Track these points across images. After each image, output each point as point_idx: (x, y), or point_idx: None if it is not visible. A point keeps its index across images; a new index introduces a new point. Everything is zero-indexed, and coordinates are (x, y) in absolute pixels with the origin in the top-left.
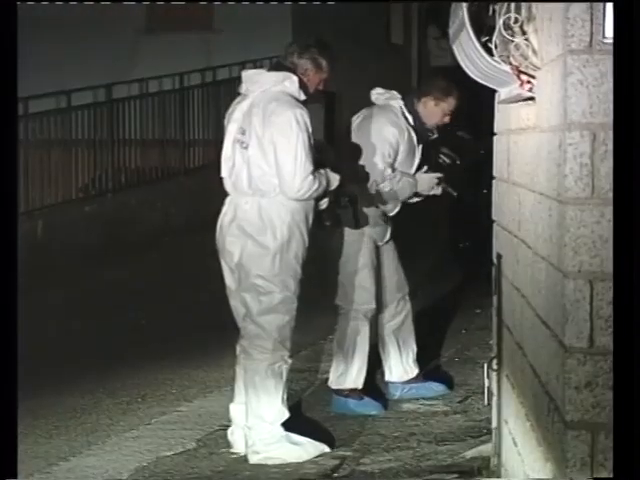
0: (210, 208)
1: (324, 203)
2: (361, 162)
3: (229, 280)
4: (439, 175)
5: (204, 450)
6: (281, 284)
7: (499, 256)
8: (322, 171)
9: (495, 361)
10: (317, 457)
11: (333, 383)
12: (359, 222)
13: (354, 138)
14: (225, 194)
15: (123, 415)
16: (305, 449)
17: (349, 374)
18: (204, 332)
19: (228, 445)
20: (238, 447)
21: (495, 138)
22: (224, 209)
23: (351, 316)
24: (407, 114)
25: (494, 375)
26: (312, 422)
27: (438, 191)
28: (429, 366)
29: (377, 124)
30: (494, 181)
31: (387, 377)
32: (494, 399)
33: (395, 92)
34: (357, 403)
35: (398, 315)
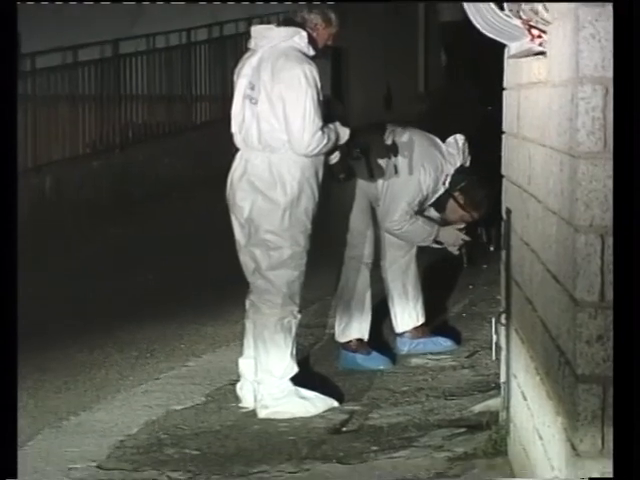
0: (218, 163)
1: (335, 157)
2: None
3: (239, 235)
4: (467, 238)
5: (213, 405)
6: (291, 239)
7: (508, 211)
8: (331, 126)
9: (504, 316)
10: (326, 412)
11: (339, 336)
12: (373, 172)
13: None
14: (235, 149)
15: (132, 370)
16: (314, 404)
17: (353, 324)
18: (213, 287)
19: (237, 400)
20: (247, 402)
21: (505, 93)
22: (234, 164)
23: (350, 265)
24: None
25: (502, 330)
26: (320, 377)
27: (455, 251)
28: (436, 321)
29: (420, 160)
30: (504, 136)
31: (395, 327)
32: (502, 354)
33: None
34: (365, 358)
35: (401, 258)
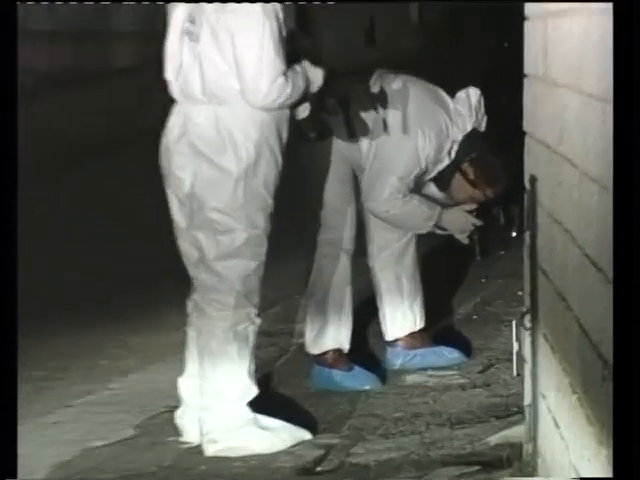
0: (145, 121)
1: (304, 110)
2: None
3: (177, 215)
4: (479, 223)
5: (145, 439)
6: (246, 219)
7: (533, 179)
8: (298, 68)
9: (528, 317)
10: (294, 446)
11: (311, 346)
12: (354, 130)
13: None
14: (170, 102)
15: (37, 395)
16: (278, 436)
17: (328, 330)
18: (142, 284)
19: (177, 432)
20: (190, 435)
21: (526, 24)
22: (170, 122)
23: (325, 252)
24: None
25: (527, 336)
26: (288, 401)
27: (464, 239)
28: (439, 326)
29: (417, 120)
30: (525, 80)
31: (385, 334)
32: (527, 367)
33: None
34: (345, 375)
35: (394, 242)
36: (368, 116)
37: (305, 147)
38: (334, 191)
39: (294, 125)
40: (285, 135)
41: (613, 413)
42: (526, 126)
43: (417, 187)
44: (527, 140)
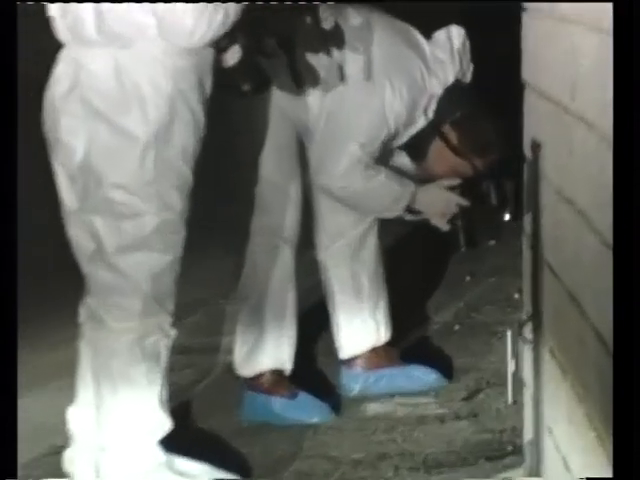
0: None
1: (234, 54)
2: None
3: (67, 194)
4: (464, 203)
5: None
6: (157, 199)
7: (535, 145)
8: None
9: (529, 327)
10: None
11: (241, 366)
12: (301, 79)
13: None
14: (54, 46)
15: None
16: None
17: (265, 345)
18: (17, 284)
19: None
20: None
21: None
22: (55, 72)
23: (261, 243)
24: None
25: (526, 351)
26: (212, 437)
27: (444, 225)
28: (411, 339)
29: (384, 69)
30: (524, 15)
31: (339, 350)
32: (527, 392)
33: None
34: (287, 404)
35: (350, 230)
36: (319, 62)
37: (235, 104)
38: (273, 162)
39: (220, 74)
40: (208, 88)
41: (613, 413)
42: (526, 75)
43: (384, 157)
44: (527, 94)
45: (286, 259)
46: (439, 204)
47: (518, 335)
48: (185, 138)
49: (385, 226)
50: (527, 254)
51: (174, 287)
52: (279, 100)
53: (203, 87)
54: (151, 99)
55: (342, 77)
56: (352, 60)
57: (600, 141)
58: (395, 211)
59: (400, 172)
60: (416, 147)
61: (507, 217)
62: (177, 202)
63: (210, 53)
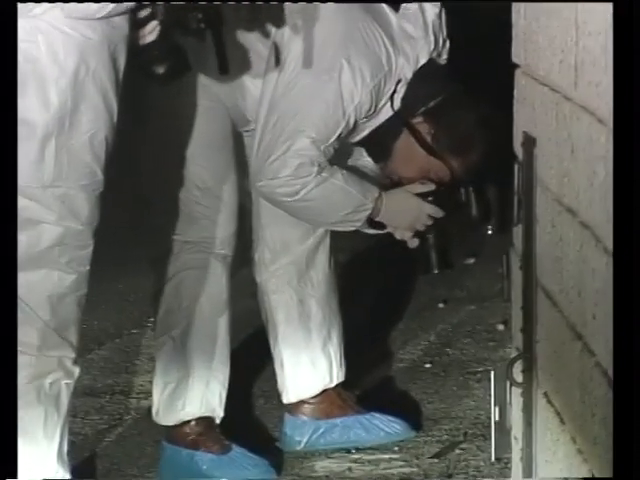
0: None
1: (151, 30)
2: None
3: None
4: (436, 214)
5: None
6: (58, 204)
7: (528, 141)
8: None
9: (518, 367)
10: None
11: (162, 413)
12: (227, 64)
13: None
14: None
15: None
16: None
17: (190, 386)
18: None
19: None
20: None
21: None
22: None
23: (187, 259)
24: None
25: (515, 395)
26: None
27: (412, 240)
28: (371, 381)
29: (341, 45)
30: None
31: (282, 393)
32: (515, 447)
33: None
34: (216, 460)
35: (297, 246)
36: (257, 38)
37: (156, 88)
38: (203, 160)
39: (134, 53)
40: (122, 66)
41: (613, 412)
42: (516, 56)
43: (340, 156)
44: (519, 79)
45: (218, 280)
46: (407, 214)
47: (505, 377)
48: (94, 127)
49: (339, 239)
50: (516, 276)
51: (78, 313)
52: (211, 84)
53: (116, 65)
54: (53, 79)
55: (278, 62)
56: (300, 37)
57: (609, 137)
58: (354, 223)
59: (360, 175)
60: (379, 144)
61: (490, 231)
62: (84, 208)
63: (125, 24)
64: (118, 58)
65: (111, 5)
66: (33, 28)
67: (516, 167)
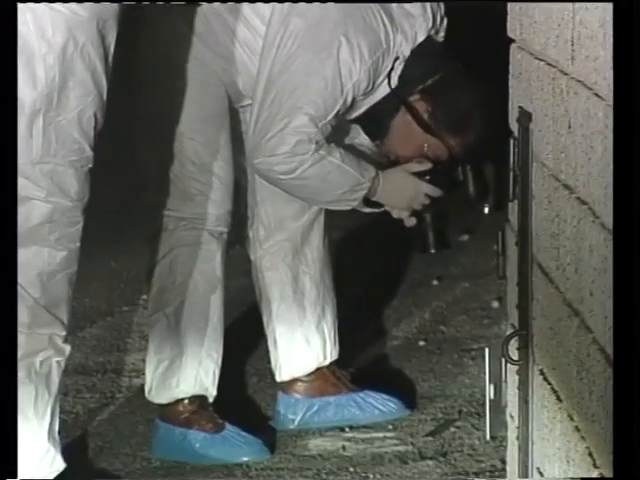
0: None
1: None
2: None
3: None
4: (434, 193)
5: None
6: (48, 181)
7: (524, 116)
8: None
9: (514, 344)
10: None
11: (154, 392)
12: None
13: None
14: None
15: None
16: None
17: (183, 365)
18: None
19: None
20: None
21: None
22: None
23: (180, 236)
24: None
25: (510, 373)
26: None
27: (409, 219)
28: (365, 358)
29: (339, 23)
30: None
31: (275, 371)
32: (511, 425)
33: None
34: (210, 439)
35: (291, 222)
36: (254, 13)
37: (149, 61)
38: (198, 136)
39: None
40: (112, 42)
41: (613, 411)
42: (512, 31)
43: (337, 134)
44: (514, 53)
45: (212, 257)
46: (404, 194)
47: (500, 354)
48: (82, 104)
49: (334, 216)
50: (512, 252)
51: (69, 291)
52: (207, 60)
53: (105, 41)
54: (40, 56)
55: (284, 33)
56: (296, 12)
57: (607, 112)
58: (351, 202)
59: (358, 154)
60: (376, 122)
61: (487, 210)
62: (73, 184)
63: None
64: (108, 34)
65: None
66: (21, 5)
67: (512, 142)
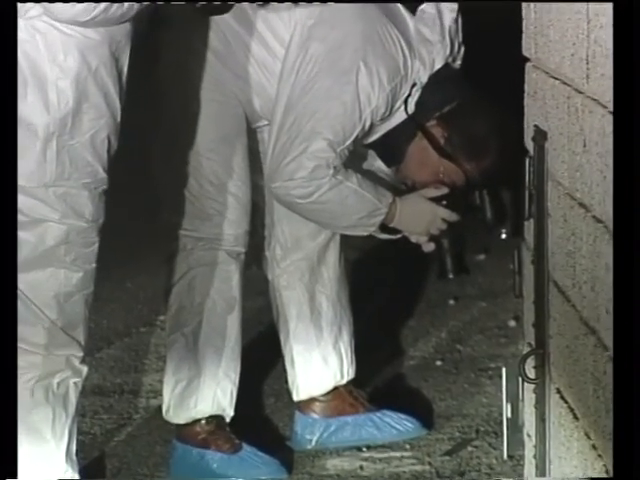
0: None
1: None
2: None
3: None
4: (450, 217)
5: None
6: (62, 203)
7: (539, 135)
8: None
9: (530, 362)
10: None
11: (172, 412)
12: (238, 64)
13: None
14: None
15: None
16: None
17: (201, 385)
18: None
19: None
20: None
21: None
22: None
23: (198, 257)
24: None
25: (527, 392)
26: None
27: (427, 245)
28: (382, 378)
29: (359, 50)
30: None
31: (293, 390)
32: (528, 444)
33: None
34: (227, 460)
35: (308, 242)
36: (273, 37)
37: (167, 81)
38: (217, 156)
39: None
40: (125, 64)
41: (613, 409)
42: (527, 50)
43: (355, 160)
44: (529, 72)
45: (231, 277)
46: (421, 219)
47: (517, 373)
48: (95, 126)
49: (350, 236)
50: (528, 271)
51: (86, 312)
52: (226, 80)
53: (118, 63)
54: (53, 80)
55: (304, 58)
56: (316, 37)
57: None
58: (368, 227)
59: (375, 179)
60: (392, 148)
61: (504, 236)
62: (87, 206)
63: (128, 23)
64: (120, 56)
65: (95, 9)
66: (31, 29)
67: (527, 161)
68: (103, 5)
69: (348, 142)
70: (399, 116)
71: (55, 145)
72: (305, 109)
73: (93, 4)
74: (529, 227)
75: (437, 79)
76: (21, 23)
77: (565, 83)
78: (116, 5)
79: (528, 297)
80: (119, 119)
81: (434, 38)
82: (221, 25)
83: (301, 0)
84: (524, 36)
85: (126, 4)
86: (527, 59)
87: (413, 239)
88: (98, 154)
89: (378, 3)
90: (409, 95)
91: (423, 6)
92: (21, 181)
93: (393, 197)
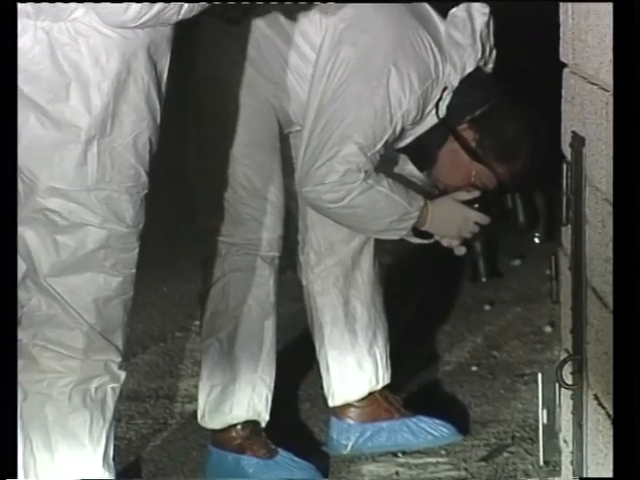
0: None
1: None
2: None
3: None
4: (482, 221)
5: None
6: (103, 207)
7: (577, 141)
8: None
9: (568, 368)
10: None
11: (207, 417)
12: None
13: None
14: None
15: None
16: None
17: (236, 390)
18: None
19: None
20: None
21: None
22: None
23: (232, 261)
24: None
25: (564, 398)
26: None
27: (459, 248)
28: (418, 384)
29: (390, 54)
30: None
31: (328, 396)
32: (565, 450)
33: None
34: (263, 465)
35: (342, 247)
36: (305, 41)
37: (203, 88)
38: (250, 161)
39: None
40: (165, 67)
41: (613, 407)
42: (564, 55)
43: (386, 164)
44: (567, 78)
45: (265, 282)
46: (453, 223)
47: (554, 379)
48: (137, 129)
49: (384, 241)
50: (566, 277)
51: (124, 317)
52: (259, 85)
53: (158, 66)
54: (94, 82)
55: (334, 62)
56: (347, 41)
57: None
58: (399, 231)
59: (406, 183)
60: (423, 152)
61: (537, 240)
62: (128, 210)
63: (168, 27)
64: (161, 59)
65: (146, 15)
66: (74, 31)
67: (565, 167)
68: (155, 10)
69: (379, 146)
70: (430, 120)
71: (96, 147)
72: (336, 113)
73: (144, 10)
74: (566, 233)
75: (468, 83)
76: (62, 26)
77: (603, 89)
78: (167, 10)
79: (565, 303)
80: (159, 121)
81: (465, 42)
82: (253, 30)
83: (300, 0)
84: (561, 42)
85: (172, 10)
86: (564, 65)
87: (445, 243)
88: (140, 157)
89: (409, 7)
90: (440, 99)
91: (454, 10)
92: (61, 184)
93: (425, 201)
